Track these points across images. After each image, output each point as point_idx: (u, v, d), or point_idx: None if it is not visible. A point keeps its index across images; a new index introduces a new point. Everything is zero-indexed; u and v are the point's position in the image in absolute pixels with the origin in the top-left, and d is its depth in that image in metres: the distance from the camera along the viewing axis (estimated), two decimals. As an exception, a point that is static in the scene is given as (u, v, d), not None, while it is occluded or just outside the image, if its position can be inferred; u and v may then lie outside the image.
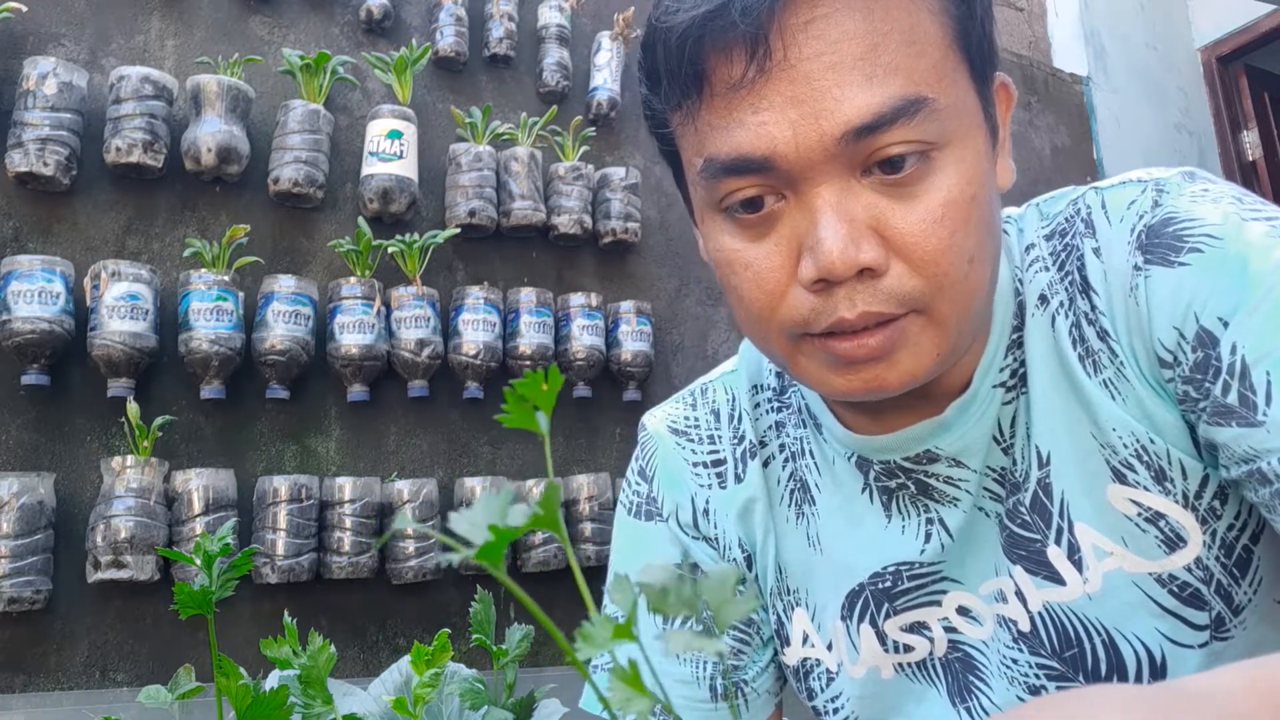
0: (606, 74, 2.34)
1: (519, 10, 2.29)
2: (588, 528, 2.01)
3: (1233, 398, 0.51)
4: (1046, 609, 0.60)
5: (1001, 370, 0.61)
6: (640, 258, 2.36)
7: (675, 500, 0.74)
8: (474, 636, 0.63)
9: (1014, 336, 0.61)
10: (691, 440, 0.75)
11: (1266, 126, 3.81)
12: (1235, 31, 3.79)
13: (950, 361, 0.56)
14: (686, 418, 0.76)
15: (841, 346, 0.53)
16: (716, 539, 0.72)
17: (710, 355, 2.42)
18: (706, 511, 0.73)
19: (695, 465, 0.74)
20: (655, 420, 0.78)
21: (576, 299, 2.14)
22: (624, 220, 2.23)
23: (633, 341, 2.17)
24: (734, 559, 0.72)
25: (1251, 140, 3.79)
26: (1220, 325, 0.52)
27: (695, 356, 2.40)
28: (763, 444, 0.73)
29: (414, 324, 1.92)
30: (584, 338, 2.11)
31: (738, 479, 0.72)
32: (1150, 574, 0.57)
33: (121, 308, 1.64)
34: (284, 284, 1.80)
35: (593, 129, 2.31)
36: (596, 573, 2.02)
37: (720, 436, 0.74)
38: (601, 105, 2.33)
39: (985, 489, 0.63)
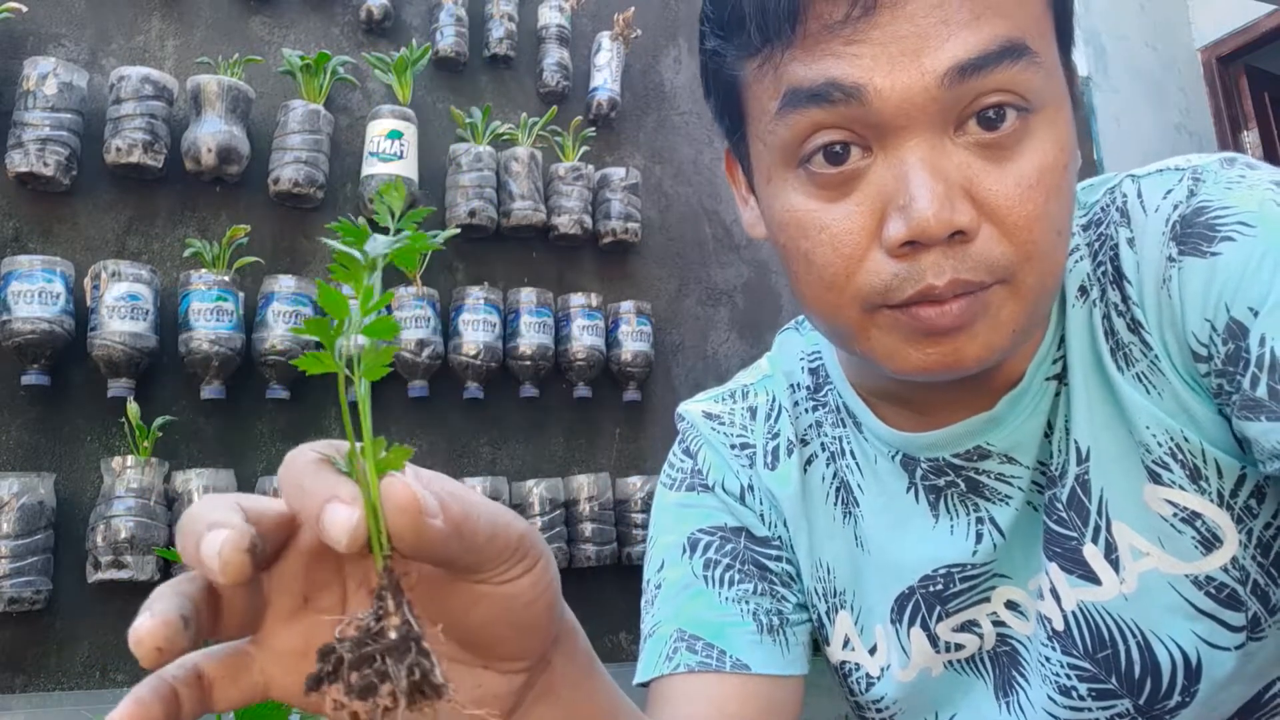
0: (606, 74, 2.34)
1: (519, 10, 2.29)
2: (588, 528, 2.01)
3: (1262, 391, 0.49)
4: (1080, 608, 0.58)
5: (1054, 363, 0.59)
6: (640, 258, 2.36)
7: (721, 472, 0.72)
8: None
9: (1059, 329, 0.60)
10: (725, 424, 0.73)
11: (1266, 126, 3.81)
12: (1235, 31, 3.79)
13: (1023, 341, 0.54)
14: (720, 409, 0.75)
15: (926, 314, 0.50)
16: (762, 515, 0.71)
17: (710, 355, 2.42)
18: (752, 488, 0.71)
19: (732, 448, 0.72)
20: (692, 408, 0.77)
21: (576, 299, 2.14)
22: (624, 220, 2.23)
23: (633, 342, 2.17)
24: (779, 536, 0.70)
25: (1251, 140, 3.79)
26: (1251, 315, 0.50)
27: (695, 356, 2.40)
28: (804, 442, 0.71)
29: (414, 324, 1.91)
30: (584, 338, 2.11)
31: (768, 466, 0.70)
32: (1187, 575, 0.55)
33: (121, 308, 1.63)
34: (284, 284, 1.80)
35: (593, 129, 2.31)
36: (595, 573, 2.01)
37: (753, 430, 0.72)
38: (601, 105, 2.33)
39: (1034, 483, 0.61)
